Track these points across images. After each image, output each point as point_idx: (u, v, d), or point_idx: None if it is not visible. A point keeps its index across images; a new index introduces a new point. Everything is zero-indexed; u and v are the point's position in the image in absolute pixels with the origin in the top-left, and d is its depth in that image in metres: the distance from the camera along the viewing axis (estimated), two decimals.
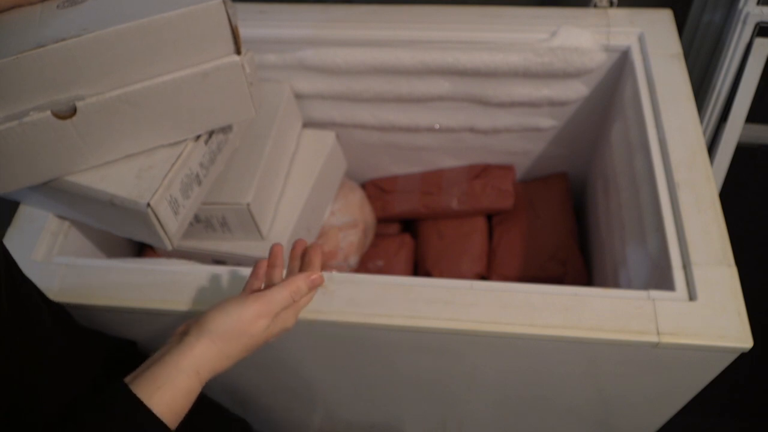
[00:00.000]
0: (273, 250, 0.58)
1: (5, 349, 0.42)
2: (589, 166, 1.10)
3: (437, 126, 1.04)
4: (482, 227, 1.11)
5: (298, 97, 1.00)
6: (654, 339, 0.57)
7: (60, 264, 0.71)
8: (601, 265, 0.94)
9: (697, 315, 0.58)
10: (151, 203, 0.68)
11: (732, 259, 0.62)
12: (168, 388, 0.46)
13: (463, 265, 1.05)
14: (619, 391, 0.70)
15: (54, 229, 0.77)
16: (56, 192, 0.72)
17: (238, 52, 0.68)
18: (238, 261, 0.91)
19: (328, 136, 1.03)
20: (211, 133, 0.76)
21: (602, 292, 0.62)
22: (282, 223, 0.92)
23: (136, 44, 0.63)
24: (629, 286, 0.77)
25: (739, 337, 0.57)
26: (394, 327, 0.62)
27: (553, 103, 0.96)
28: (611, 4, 0.92)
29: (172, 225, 0.72)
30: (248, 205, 0.84)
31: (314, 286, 0.55)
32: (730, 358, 0.59)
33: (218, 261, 0.93)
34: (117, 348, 0.71)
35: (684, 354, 0.59)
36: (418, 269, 1.10)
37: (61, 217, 0.79)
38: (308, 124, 1.05)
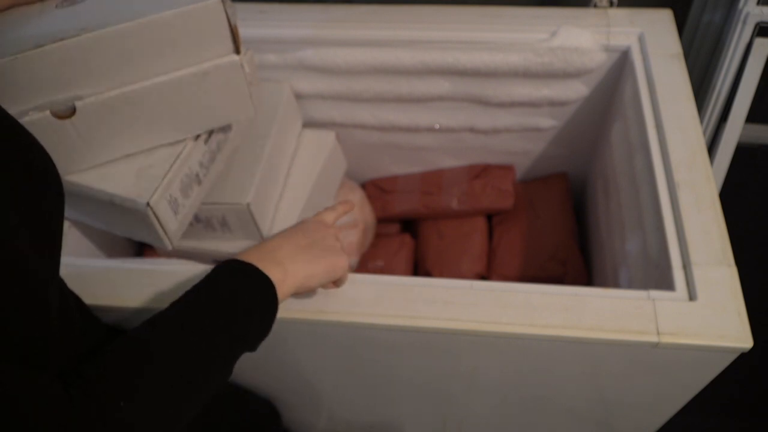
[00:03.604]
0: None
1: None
2: (589, 166, 1.10)
3: (437, 126, 1.04)
4: (482, 227, 1.11)
5: (298, 97, 1.00)
6: (654, 339, 0.57)
7: (60, 264, 0.71)
8: (601, 265, 0.94)
9: (697, 315, 0.58)
10: (151, 202, 0.68)
11: (732, 259, 0.62)
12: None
13: (463, 265, 1.05)
14: (619, 391, 0.70)
15: None
16: None
17: (237, 51, 0.68)
18: None
19: (328, 136, 1.03)
20: (210, 133, 0.76)
21: (602, 292, 0.62)
22: (282, 223, 0.92)
23: (134, 44, 0.63)
24: (629, 286, 0.77)
25: (739, 337, 0.57)
26: (394, 327, 0.61)
27: (553, 103, 0.96)
28: (611, 4, 0.92)
29: (171, 224, 0.72)
30: (248, 205, 0.84)
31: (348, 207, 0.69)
32: (730, 358, 0.59)
33: (218, 261, 0.93)
34: None
35: (684, 354, 0.59)
36: (418, 269, 1.10)
37: None
38: (308, 124, 1.05)
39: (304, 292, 0.60)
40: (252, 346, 0.53)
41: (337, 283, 0.62)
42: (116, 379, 0.43)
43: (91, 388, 0.41)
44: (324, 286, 0.62)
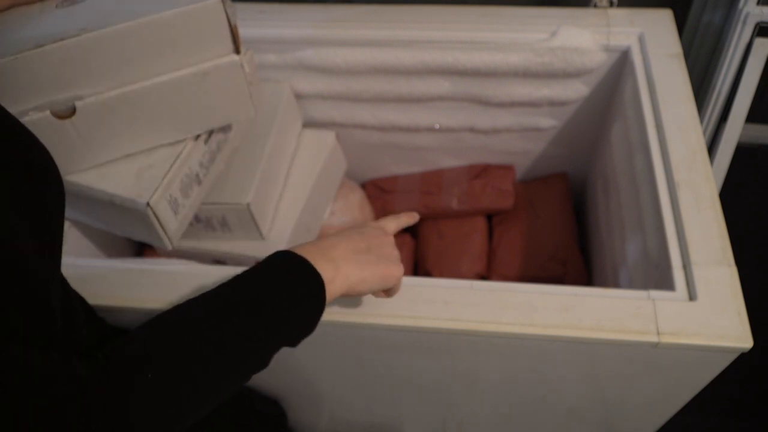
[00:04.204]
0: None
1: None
2: (589, 166, 1.10)
3: (437, 126, 1.04)
4: (482, 227, 1.11)
5: (298, 97, 1.00)
6: (654, 339, 0.57)
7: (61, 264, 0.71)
8: (601, 265, 0.94)
9: (697, 315, 0.58)
10: (151, 202, 0.68)
11: (732, 259, 0.62)
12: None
13: (463, 265, 1.05)
14: (619, 391, 0.70)
15: None
16: None
17: (237, 51, 0.68)
18: (238, 261, 0.91)
19: (328, 136, 1.03)
20: (210, 133, 0.76)
21: (602, 292, 0.62)
22: (282, 223, 0.92)
23: (134, 43, 0.63)
24: (629, 286, 0.77)
25: (739, 337, 0.57)
26: (394, 327, 0.61)
27: (553, 103, 0.96)
28: (611, 4, 0.92)
29: (171, 224, 0.72)
30: (248, 204, 0.84)
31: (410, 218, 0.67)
32: (730, 358, 0.59)
33: (218, 261, 0.93)
34: None
35: (684, 354, 0.59)
36: (418, 269, 1.10)
37: None
38: (308, 124, 1.05)
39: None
40: (291, 341, 0.51)
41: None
42: (115, 378, 0.43)
43: (90, 387, 0.41)
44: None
